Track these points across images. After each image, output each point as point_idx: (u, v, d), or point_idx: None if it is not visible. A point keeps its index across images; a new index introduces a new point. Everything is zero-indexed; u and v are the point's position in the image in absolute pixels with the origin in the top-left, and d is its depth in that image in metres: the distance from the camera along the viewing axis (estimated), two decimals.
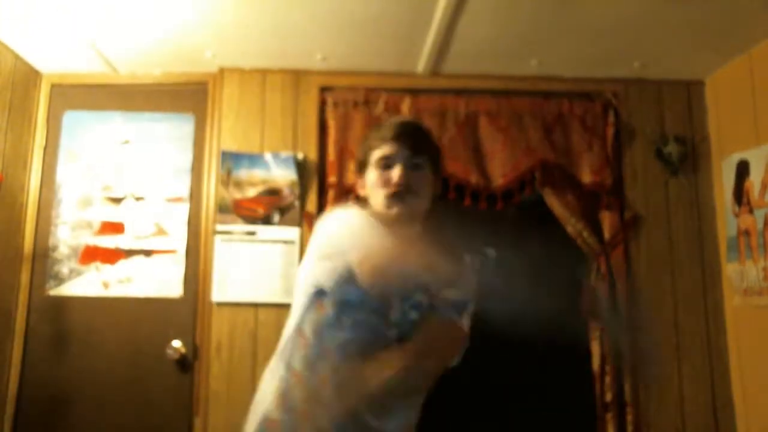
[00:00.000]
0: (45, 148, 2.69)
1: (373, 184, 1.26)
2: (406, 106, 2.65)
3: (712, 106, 2.75)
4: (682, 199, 2.71)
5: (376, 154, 1.26)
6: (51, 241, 2.62)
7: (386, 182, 1.23)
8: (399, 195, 1.22)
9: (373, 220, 1.21)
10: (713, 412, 2.56)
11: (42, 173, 2.67)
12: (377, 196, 1.25)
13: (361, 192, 1.32)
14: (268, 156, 2.61)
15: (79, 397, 2.50)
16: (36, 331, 2.55)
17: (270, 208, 2.57)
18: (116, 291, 2.59)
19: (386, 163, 1.25)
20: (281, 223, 2.57)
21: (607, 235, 2.62)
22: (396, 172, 1.23)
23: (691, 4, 2.13)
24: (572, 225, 2.60)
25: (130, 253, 2.62)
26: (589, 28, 2.32)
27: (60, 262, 2.61)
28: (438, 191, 1.35)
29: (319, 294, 1.15)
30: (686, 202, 2.71)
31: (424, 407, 1.27)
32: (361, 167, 1.31)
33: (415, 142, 1.26)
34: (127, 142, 2.72)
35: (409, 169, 1.24)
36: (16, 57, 2.53)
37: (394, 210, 1.23)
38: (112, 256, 2.61)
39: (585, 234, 2.59)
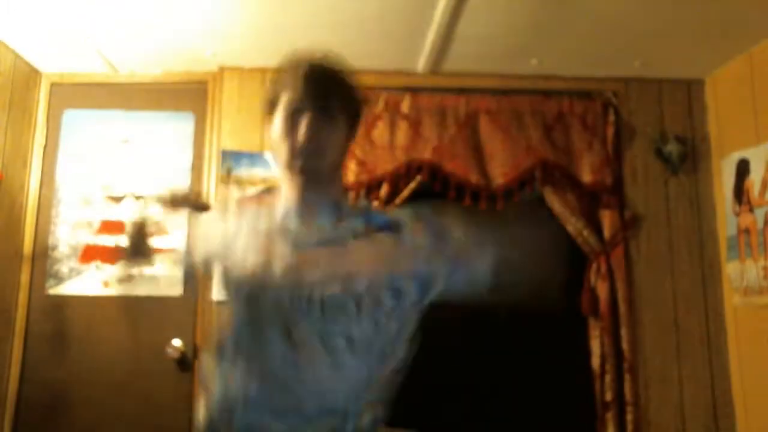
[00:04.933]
0: (45, 147, 2.69)
1: (278, 134, 1.12)
2: (406, 104, 2.65)
3: (712, 106, 2.75)
4: (682, 198, 2.71)
5: (285, 97, 1.11)
6: (51, 241, 2.62)
7: (290, 134, 1.09)
8: (302, 153, 1.09)
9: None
10: (713, 412, 2.56)
11: (42, 172, 2.67)
12: (281, 150, 1.12)
13: (269, 138, 1.17)
14: (268, 155, 2.61)
15: (79, 396, 2.50)
16: (36, 330, 2.55)
17: None
18: (116, 290, 2.59)
19: (293, 112, 1.10)
20: None
21: (607, 234, 2.62)
22: (302, 127, 1.08)
23: (691, 4, 2.13)
24: (572, 224, 2.60)
25: None
26: (589, 27, 2.32)
27: (60, 261, 2.60)
28: (353, 140, 1.19)
29: None
30: (686, 202, 2.71)
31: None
32: (270, 109, 1.15)
33: (325, 92, 1.10)
34: (127, 141, 2.72)
35: (318, 121, 1.09)
36: (16, 56, 2.53)
37: (296, 166, 1.11)
38: (112, 255, 2.61)
39: (585, 233, 2.59)
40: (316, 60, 1.13)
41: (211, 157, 2.66)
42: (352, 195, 2.54)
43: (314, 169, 1.12)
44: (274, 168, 2.60)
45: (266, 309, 1.06)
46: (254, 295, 1.08)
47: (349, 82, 1.15)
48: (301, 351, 1.03)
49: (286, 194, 1.16)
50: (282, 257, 1.08)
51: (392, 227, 1.12)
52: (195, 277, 1.21)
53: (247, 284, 1.10)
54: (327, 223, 1.12)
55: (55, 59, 2.62)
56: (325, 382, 1.04)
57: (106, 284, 2.59)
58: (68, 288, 2.59)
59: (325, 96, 1.10)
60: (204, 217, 1.27)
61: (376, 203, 2.54)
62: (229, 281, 1.15)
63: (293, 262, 1.07)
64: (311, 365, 1.03)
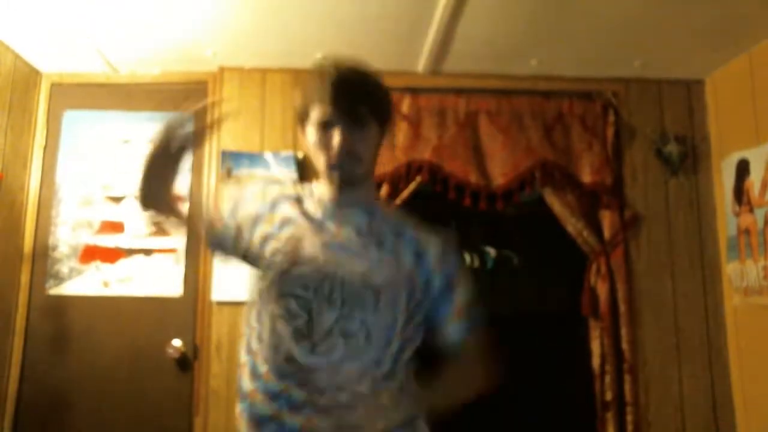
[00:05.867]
0: (45, 148, 2.69)
1: (313, 145, 1.18)
2: (406, 105, 2.65)
3: (712, 106, 2.75)
4: (682, 198, 2.71)
5: (314, 115, 1.16)
6: (51, 241, 2.61)
7: (326, 147, 1.15)
8: (339, 164, 1.15)
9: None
10: (713, 412, 2.56)
11: (42, 172, 2.67)
12: (318, 160, 1.18)
13: (305, 144, 1.23)
14: (268, 155, 2.61)
15: (79, 396, 2.50)
16: (36, 330, 2.55)
17: None
18: (116, 290, 2.59)
19: (325, 125, 1.15)
20: None
21: (607, 234, 2.62)
22: (335, 139, 1.13)
23: (691, 4, 2.13)
24: (572, 225, 2.60)
25: (130, 252, 2.62)
26: (589, 27, 2.32)
27: (60, 261, 2.61)
28: (386, 140, 1.24)
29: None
30: (686, 202, 2.71)
31: None
32: (301, 120, 1.21)
33: (355, 102, 1.14)
34: (127, 141, 2.72)
35: (351, 131, 1.14)
36: (16, 56, 2.53)
37: (334, 178, 1.17)
38: (112, 255, 2.61)
39: (585, 234, 2.59)
40: (341, 68, 1.17)
41: (211, 157, 2.66)
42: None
43: (350, 179, 1.18)
44: (275, 168, 2.60)
45: (292, 294, 1.13)
46: (284, 278, 1.14)
47: (375, 87, 1.20)
48: (319, 339, 1.11)
49: (323, 191, 1.22)
50: (313, 250, 1.15)
51: (420, 245, 1.21)
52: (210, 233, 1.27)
53: (278, 266, 1.15)
54: (362, 223, 1.19)
55: (55, 59, 2.62)
56: (340, 366, 1.10)
57: (106, 284, 2.59)
58: (68, 288, 2.59)
59: (354, 106, 1.14)
60: (244, 189, 1.29)
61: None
62: (260, 260, 1.19)
63: (322, 256, 1.15)
64: (329, 352, 1.10)
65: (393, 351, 1.14)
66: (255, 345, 1.16)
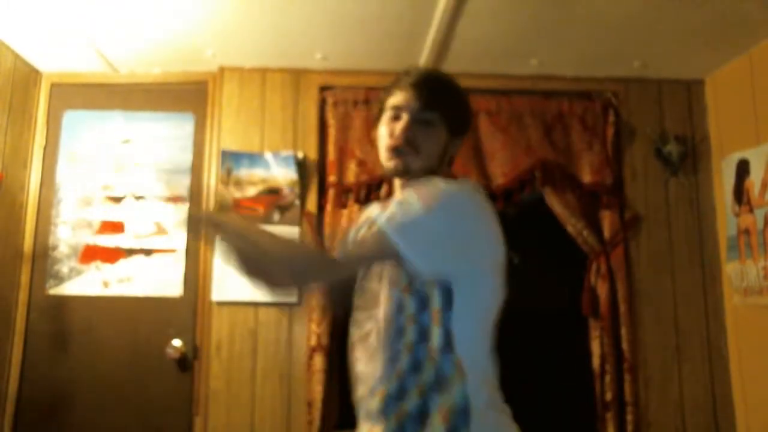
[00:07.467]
0: (45, 148, 2.69)
1: (380, 133, 1.23)
2: None
3: (712, 106, 2.75)
4: (682, 198, 2.71)
5: (390, 101, 1.21)
6: (51, 241, 2.61)
7: (390, 134, 1.19)
8: (397, 150, 1.17)
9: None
10: (713, 412, 2.56)
11: (42, 173, 2.67)
12: (381, 147, 1.22)
13: (375, 139, 1.27)
14: (268, 155, 2.61)
15: (79, 396, 2.50)
16: (36, 330, 2.55)
17: (270, 207, 2.58)
18: (116, 290, 2.59)
19: (395, 114, 1.19)
20: (281, 222, 2.56)
21: (607, 234, 2.62)
22: (399, 125, 1.17)
23: (691, 4, 2.13)
24: (572, 224, 2.60)
25: (130, 252, 2.62)
26: (589, 27, 2.32)
27: (60, 261, 2.61)
28: (454, 153, 1.25)
29: None
30: (686, 202, 2.71)
31: None
32: (378, 114, 1.25)
33: (430, 96, 1.17)
34: (127, 141, 2.72)
35: (417, 123, 1.17)
36: (16, 56, 2.53)
37: (391, 164, 1.19)
38: (112, 255, 2.61)
39: (585, 233, 2.59)
40: (428, 71, 1.25)
41: (211, 157, 2.66)
42: (352, 195, 2.55)
43: (405, 168, 1.18)
44: (275, 168, 2.61)
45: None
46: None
47: (453, 96, 1.22)
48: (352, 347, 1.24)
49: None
50: None
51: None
52: None
53: None
54: None
55: (55, 59, 2.62)
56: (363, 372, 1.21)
57: (106, 284, 2.59)
58: (68, 288, 2.58)
59: (424, 104, 1.17)
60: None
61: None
62: None
63: None
64: (356, 361, 1.23)
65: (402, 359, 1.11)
66: None
